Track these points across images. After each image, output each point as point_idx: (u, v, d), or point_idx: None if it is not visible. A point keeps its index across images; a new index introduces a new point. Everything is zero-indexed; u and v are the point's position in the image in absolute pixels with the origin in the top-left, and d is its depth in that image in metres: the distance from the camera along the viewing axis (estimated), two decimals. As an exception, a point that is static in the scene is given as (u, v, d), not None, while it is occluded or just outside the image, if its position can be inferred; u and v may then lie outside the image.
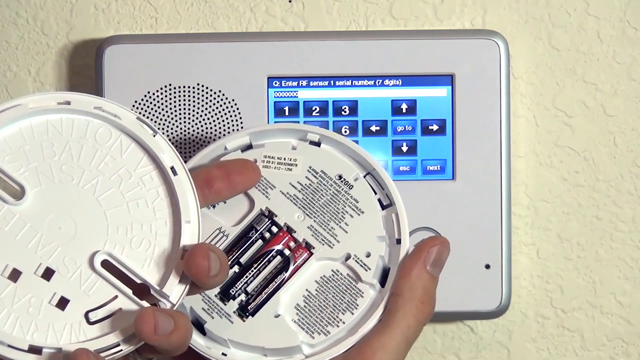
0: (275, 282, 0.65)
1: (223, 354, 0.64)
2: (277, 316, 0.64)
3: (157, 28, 0.79)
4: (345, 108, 0.76)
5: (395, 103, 0.76)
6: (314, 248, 0.65)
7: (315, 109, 0.76)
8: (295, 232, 0.65)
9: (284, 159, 0.66)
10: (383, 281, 0.65)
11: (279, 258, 0.65)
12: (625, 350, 0.80)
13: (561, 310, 0.80)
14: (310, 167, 0.66)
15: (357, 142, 0.76)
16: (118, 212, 0.60)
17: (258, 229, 0.65)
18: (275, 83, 0.76)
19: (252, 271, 0.65)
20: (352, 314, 0.64)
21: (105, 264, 0.60)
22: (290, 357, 0.64)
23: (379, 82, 0.76)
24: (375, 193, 0.66)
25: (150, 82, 0.76)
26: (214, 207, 0.65)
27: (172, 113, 0.76)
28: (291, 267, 0.65)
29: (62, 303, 0.59)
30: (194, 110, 0.76)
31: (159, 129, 0.76)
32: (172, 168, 0.61)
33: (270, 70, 0.76)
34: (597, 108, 0.79)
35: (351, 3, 0.78)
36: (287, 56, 0.76)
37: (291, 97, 0.76)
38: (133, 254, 0.60)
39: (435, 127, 0.76)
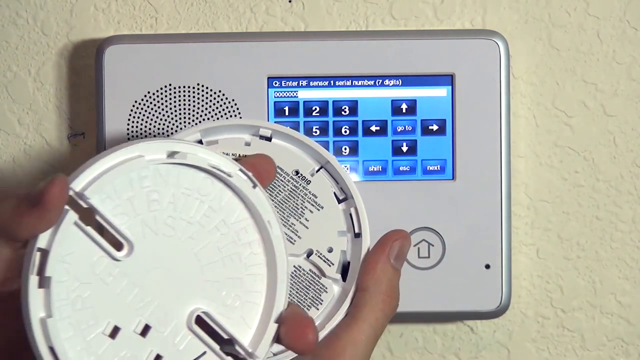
0: None
1: None
2: None
3: (157, 28, 0.79)
4: (345, 108, 0.76)
5: (395, 103, 0.76)
6: None
7: (315, 109, 0.76)
8: None
9: (239, 155, 0.65)
10: (344, 275, 0.65)
11: None
12: (625, 350, 0.80)
13: (561, 310, 0.80)
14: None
15: (357, 142, 0.76)
16: (214, 267, 0.59)
17: None
18: (275, 83, 0.76)
19: None
20: (317, 309, 0.64)
21: (199, 319, 0.59)
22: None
23: (379, 82, 0.76)
24: (337, 183, 0.65)
25: (150, 82, 0.76)
26: None
27: (172, 113, 0.76)
28: None
29: None
30: (194, 110, 0.76)
31: (159, 129, 0.76)
32: (268, 222, 0.60)
33: (270, 70, 0.76)
34: (597, 108, 0.79)
35: (351, 3, 0.78)
36: (287, 56, 0.76)
37: (291, 97, 0.76)
38: (226, 311, 0.59)
39: (435, 127, 0.76)
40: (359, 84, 0.76)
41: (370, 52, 0.76)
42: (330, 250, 0.65)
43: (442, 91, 0.76)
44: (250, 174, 0.60)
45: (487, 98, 0.76)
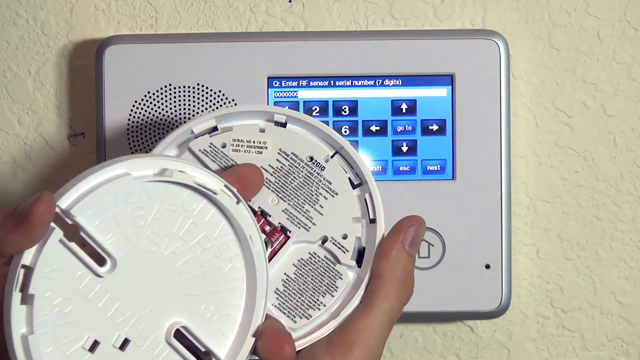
0: None
1: None
2: None
3: (157, 28, 0.79)
4: (345, 108, 0.76)
5: (395, 103, 0.76)
6: (290, 231, 0.64)
7: (315, 109, 0.76)
8: (270, 216, 0.64)
9: (254, 142, 0.65)
10: (359, 261, 0.64)
11: None
12: (625, 350, 0.80)
13: (561, 310, 0.80)
14: (280, 150, 0.65)
15: (357, 142, 0.76)
16: (194, 281, 0.59)
17: None
18: (275, 83, 0.76)
19: None
20: (332, 296, 0.64)
21: (177, 333, 0.59)
22: None
23: (379, 82, 0.76)
24: (347, 172, 0.65)
25: (150, 82, 0.76)
26: None
27: (172, 113, 0.76)
28: (268, 251, 0.64)
29: None
30: (194, 110, 0.76)
31: (159, 129, 0.76)
32: (250, 237, 0.60)
33: (270, 70, 0.76)
34: (597, 108, 0.79)
35: (351, 3, 0.78)
36: (287, 56, 0.76)
37: (291, 97, 0.76)
38: (205, 324, 0.60)
39: (435, 127, 0.76)
40: (359, 84, 0.76)
41: (370, 52, 0.76)
42: (344, 237, 0.65)
43: (442, 91, 0.76)
44: (234, 189, 0.60)
45: (487, 98, 0.76)
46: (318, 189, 0.65)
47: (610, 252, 0.80)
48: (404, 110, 0.76)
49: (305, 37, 0.76)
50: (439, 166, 0.76)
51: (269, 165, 0.65)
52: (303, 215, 0.64)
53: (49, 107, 0.79)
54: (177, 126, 0.75)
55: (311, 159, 0.65)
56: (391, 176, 0.76)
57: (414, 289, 0.64)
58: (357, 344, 0.62)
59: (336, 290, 0.64)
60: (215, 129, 0.65)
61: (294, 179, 0.65)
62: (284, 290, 0.64)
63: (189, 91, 0.76)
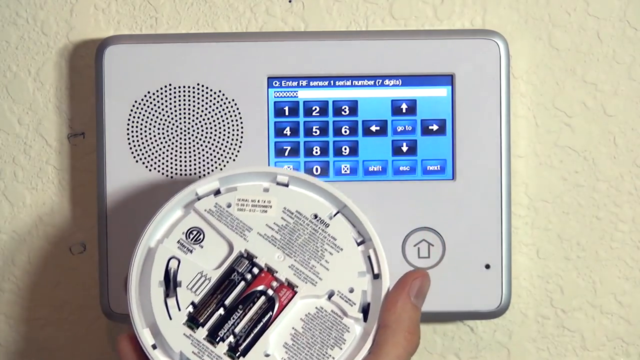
0: (262, 322, 0.65)
1: None
2: (267, 355, 0.65)
3: (157, 28, 0.79)
4: (345, 108, 0.76)
5: (395, 103, 0.76)
6: (297, 287, 0.66)
7: (315, 109, 0.76)
8: (276, 272, 0.66)
9: (258, 201, 0.67)
10: (365, 315, 0.66)
11: (263, 298, 0.66)
12: (625, 350, 0.80)
13: (561, 310, 0.80)
14: (285, 208, 0.67)
15: (357, 142, 0.76)
16: None
17: (239, 271, 0.66)
18: (275, 83, 0.76)
19: (238, 313, 0.65)
20: (341, 349, 0.65)
21: None
22: None
23: (379, 82, 0.76)
24: (354, 227, 0.67)
25: (150, 82, 0.76)
26: (191, 252, 0.66)
27: (172, 113, 0.76)
28: (276, 307, 0.65)
29: None
30: (194, 110, 0.76)
31: (159, 129, 0.76)
32: None
33: (270, 70, 0.76)
34: (597, 108, 0.79)
35: (351, 3, 0.78)
36: (287, 56, 0.76)
37: (291, 97, 0.76)
38: None
39: (435, 127, 0.76)
40: (359, 84, 0.76)
41: (370, 52, 0.76)
42: (351, 291, 0.66)
43: (442, 91, 0.76)
44: None
45: (487, 98, 0.76)
46: (323, 245, 0.66)
47: (610, 252, 0.80)
48: (404, 110, 0.76)
49: (305, 37, 0.76)
50: (439, 166, 0.76)
51: (274, 223, 0.66)
52: (309, 271, 0.66)
53: (49, 107, 0.79)
54: (177, 132, 0.75)
55: (315, 216, 0.67)
56: (391, 176, 0.76)
57: (420, 340, 0.65)
58: None
59: (344, 343, 0.65)
60: (218, 191, 0.67)
61: (299, 236, 0.66)
62: (292, 344, 0.65)
63: (189, 91, 0.76)
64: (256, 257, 0.66)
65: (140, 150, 0.76)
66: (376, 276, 0.66)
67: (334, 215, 0.67)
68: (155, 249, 0.66)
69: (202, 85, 0.76)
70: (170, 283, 0.66)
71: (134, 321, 0.65)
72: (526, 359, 0.80)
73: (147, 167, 0.76)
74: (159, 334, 0.65)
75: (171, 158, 0.76)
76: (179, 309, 0.65)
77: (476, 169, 0.76)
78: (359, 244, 0.67)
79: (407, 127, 0.76)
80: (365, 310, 0.66)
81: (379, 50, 0.76)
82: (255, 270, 0.66)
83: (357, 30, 0.78)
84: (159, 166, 0.76)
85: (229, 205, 0.66)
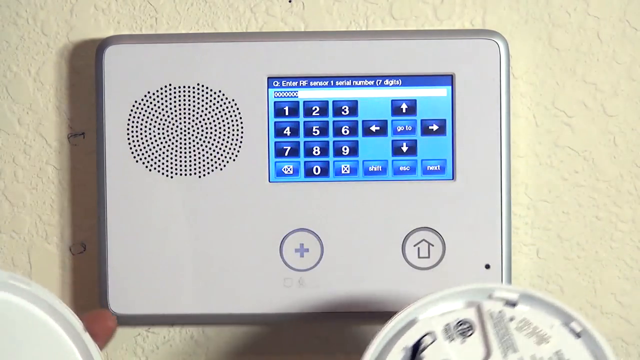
0: None
1: None
2: None
3: (157, 28, 0.79)
4: (345, 108, 0.76)
5: (395, 103, 0.76)
6: None
7: (315, 109, 0.76)
8: None
9: (541, 331, 0.64)
10: None
11: None
12: (625, 350, 0.80)
13: (561, 310, 0.80)
14: (559, 351, 0.63)
15: (357, 142, 0.76)
16: None
17: None
18: (275, 83, 0.76)
19: None
20: None
21: None
22: None
23: (379, 82, 0.76)
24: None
25: (150, 82, 0.76)
26: (451, 339, 0.64)
27: (172, 113, 0.76)
28: None
29: None
30: (194, 110, 0.76)
31: (158, 129, 0.76)
32: None
33: (270, 70, 0.76)
34: (597, 108, 0.79)
35: (351, 3, 0.78)
36: (287, 56, 0.76)
37: (291, 97, 0.76)
38: None
39: (435, 127, 0.76)
40: (359, 84, 0.76)
41: (370, 52, 0.76)
42: None
43: (442, 91, 0.76)
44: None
45: (487, 98, 0.76)
46: None
47: (610, 252, 0.80)
48: (404, 110, 0.76)
49: (305, 37, 0.76)
50: (439, 166, 0.76)
51: (541, 357, 0.63)
52: None
53: (49, 107, 0.79)
54: (177, 132, 0.75)
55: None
56: (391, 176, 0.76)
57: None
58: None
59: None
60: (513, 303, 0.64)
61: None
62: None
63: (189, 91, 0.76)
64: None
65: (140, 150, 0.76)
66: None
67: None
68: (417, 320, 0.64)
69: (202, 85, 0.76)
70: (415, 354, 0.63)
71: None
72: (526, 359, 0.80)
73: (147, 167, 0.76)
74: None
75: (171, 158, 0.76)
76: None
77: (476, 169, 0.76)
78: None
79: (407, 127, 0.76)
80: None
81: (379, 50, 0.76)
82: None
83: (357, 30, 0.78)
84: (159, 166, 0.76)
85: (511, 319, 0.63)
